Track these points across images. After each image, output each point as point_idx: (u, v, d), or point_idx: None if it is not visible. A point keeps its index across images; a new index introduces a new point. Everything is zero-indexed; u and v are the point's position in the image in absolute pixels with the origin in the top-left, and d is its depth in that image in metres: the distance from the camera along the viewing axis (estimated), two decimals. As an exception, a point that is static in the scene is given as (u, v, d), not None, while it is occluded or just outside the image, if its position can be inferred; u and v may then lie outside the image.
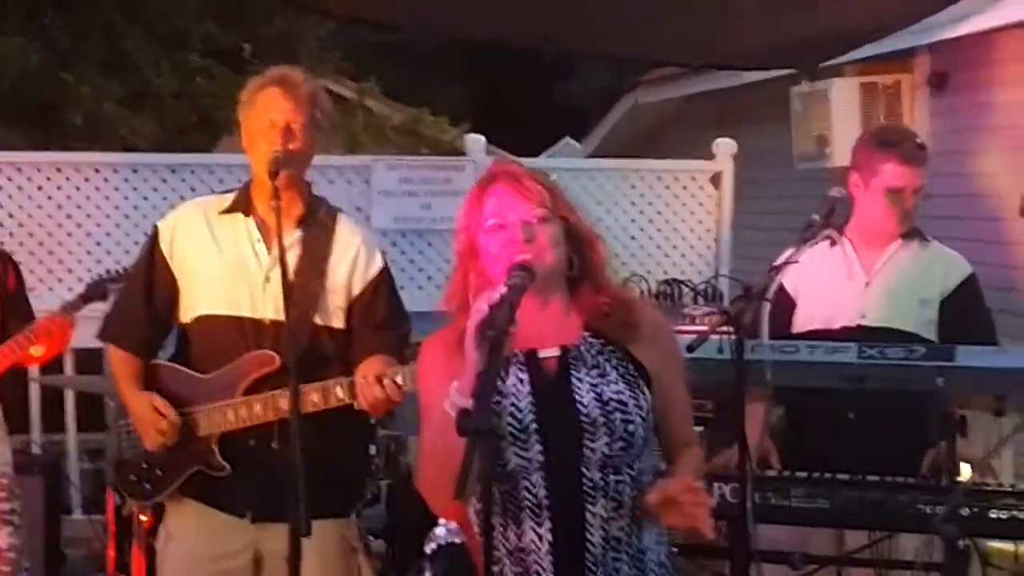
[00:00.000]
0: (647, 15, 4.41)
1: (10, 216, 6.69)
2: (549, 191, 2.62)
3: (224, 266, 3.49)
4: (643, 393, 2.60)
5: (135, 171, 6.90)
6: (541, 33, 4.87)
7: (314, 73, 4.01)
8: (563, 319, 2.64)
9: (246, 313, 3.46)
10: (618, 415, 2.55)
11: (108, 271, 4.64)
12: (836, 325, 3.99)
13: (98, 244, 6.79)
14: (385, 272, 3.60)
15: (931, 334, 3.89)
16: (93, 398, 6.44)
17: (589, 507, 2.53)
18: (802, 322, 4.08)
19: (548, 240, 2.57)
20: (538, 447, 2.54)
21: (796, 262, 3.69)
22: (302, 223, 3.49)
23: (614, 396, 2.56)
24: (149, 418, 3.49)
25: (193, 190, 6.85)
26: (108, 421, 6.04)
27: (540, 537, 2.54)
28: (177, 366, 3.58)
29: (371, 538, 5.02)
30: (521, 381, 2.59)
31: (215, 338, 3.50)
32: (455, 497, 2.22)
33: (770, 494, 3.60)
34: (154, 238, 3.60)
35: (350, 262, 3.52)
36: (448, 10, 4.51)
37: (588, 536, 2.54)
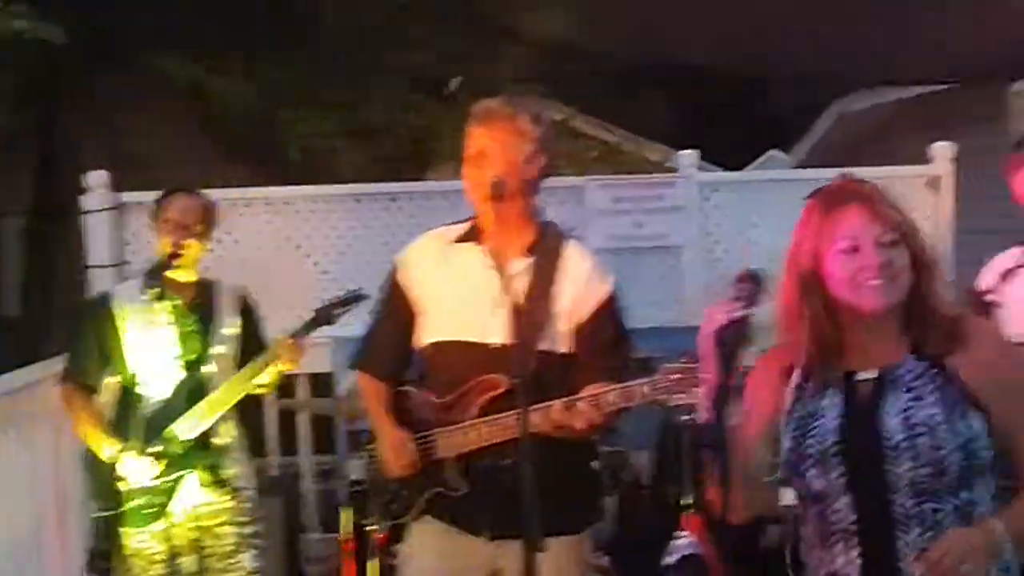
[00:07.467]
0: (859, 35, 4.34)
1: (242, 249, 7.01)
2: (900, 212, 2.55)
3: (457, 293, 3.60)
4: (963, 418, 2.45)
5: (358, 201, 7.15)
6: (745, 55, 4.86)
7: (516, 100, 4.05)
8: (891, 342, 2.55)
9: (476, 338, 3.55)
10: (924, 439, 2.42)
11: (334, 297, 4.79)
12: None
13: (324, 273, 7.05)
14: (613, 297, 3.62)
15: None
16: (323, 421, 6.70)
17: (901, 535, 2.45)
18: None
19: (901, 264, 2.50)
20: (839, 470, 2.48)
21: (1025, 266, 3.58)
22: (532, 250, 3.58)
23: (924, 419, 2.44)
24: (392, 451, 3.63)
25: (411, 217, 7.07)
26: (340, 445, 6.28)
27: (850, 562, 2.50)
28: (417, 391, 3.71)
29: (598, 553, 5.07)
30: (834, 404, 2.54)
31: (449, 363, 3.61)
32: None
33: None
34: (394, 270, 3.76)
35: (576, 287, 3.57)
36: (654, 35, 4.54)
37: (900, 565, 2.44)
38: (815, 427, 2.52)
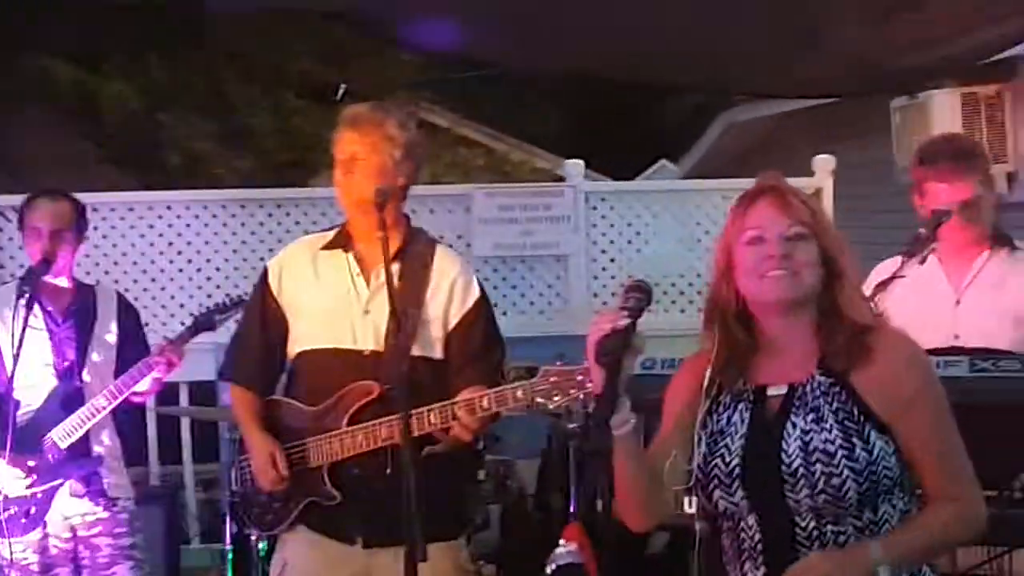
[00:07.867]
0: (744, 48, 4.40)
1: (123, 254, 6.88)
2: (812, 210, 2.52)
3: (326, 301, 3.58)
4: (863, 442, 2.40)
5: (242, 206, 7.07)
6: (630, 68, 4.89)
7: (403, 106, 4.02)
8: (802, 351, 2.51)
9: (347, 345, 3.53)
10: (819, 467, 2.38)
11: (216, 304, 4.74)
12: (927, 346, 3.82)
13: (208, 279, 6.97)
14: (482, 302, 3.64)
15: None
16: (206, 429, 6.59)
17: (805, 556, 2.40)
18: None
19: (805, 259, 2.47)
20: (742, 492, 2.46)
21: (903, 276, 3.64)
22: (400, 256, 3.56)
23: (821, 446, 2.39)
24: (262, 465, 3.58)
25: (297, 223, 7.01)
26: (223, 453, 6.19)
27: None
28: (288, 400, 3.67)
29: (482, 562, 5.07)
30: (743, 420, 2.51)
31: (320, 371, 3.58)
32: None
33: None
34: (264, 277, 3.70)
35: (447, 293, 3.58)
36: (539, 47, 4.55)
37: None
38: (722, 445, 2.51)
